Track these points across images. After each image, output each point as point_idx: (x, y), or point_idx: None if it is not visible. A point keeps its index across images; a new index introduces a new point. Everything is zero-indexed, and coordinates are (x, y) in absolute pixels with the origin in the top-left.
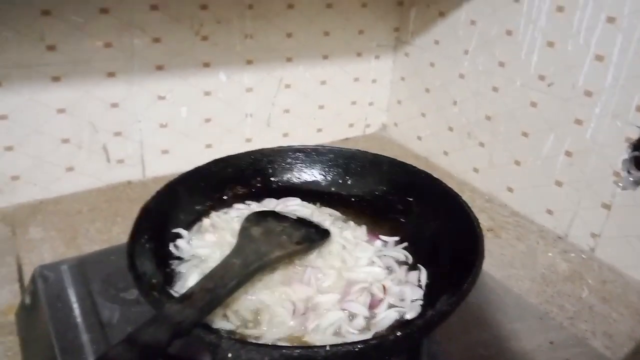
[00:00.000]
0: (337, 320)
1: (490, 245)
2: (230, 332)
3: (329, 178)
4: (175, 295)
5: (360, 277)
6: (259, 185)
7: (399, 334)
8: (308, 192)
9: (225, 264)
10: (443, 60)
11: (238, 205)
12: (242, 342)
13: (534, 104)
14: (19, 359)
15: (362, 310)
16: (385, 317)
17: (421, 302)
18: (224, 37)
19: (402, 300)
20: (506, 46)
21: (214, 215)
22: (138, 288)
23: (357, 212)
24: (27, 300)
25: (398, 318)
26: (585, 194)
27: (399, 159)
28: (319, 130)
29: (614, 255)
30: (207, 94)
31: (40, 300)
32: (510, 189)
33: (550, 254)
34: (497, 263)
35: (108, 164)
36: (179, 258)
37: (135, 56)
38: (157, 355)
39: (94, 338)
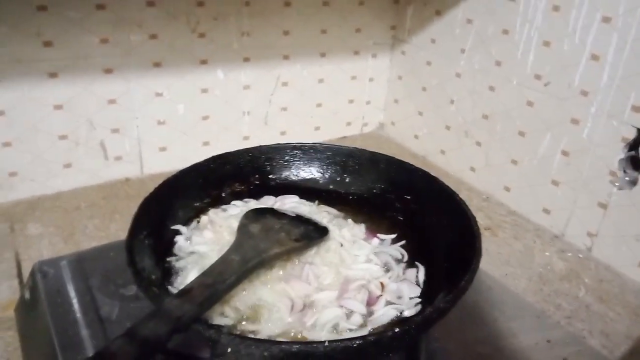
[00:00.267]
0: (334, 317)
1: (488, 244)
2: (229, 328)
3: (327, 176)
4: (174, 291)
5: (358, 274)
6: (257, 182)
7: (396, 330)
8: (306, 190)
9: (224, 260)
10: (440, 59)
11: (236, 203)
12: (241, 337)
13: (530, 103)
14: (18, 355)
15: (360, 308)
16: (383, 315)
17: (418, 300)
18: (221, 34)
19: (400, 297)
20: (502, 45)
21: (212, 212)
22: (137, 283)
23: (355, 210)
24: (27, 296)
25: (396, 315)
26: (581, 193)
27: (396, 158)
28: (317, 128)
29: (611, 255)
30: (204, 91)
31: (39, 296)
32: (507, 188)
33: (547, 253)
34: (494, 262)
35: (106, 161)
36: (177, 254)
37: (132, 52)
38: (157, 350)
39: (94, 333)
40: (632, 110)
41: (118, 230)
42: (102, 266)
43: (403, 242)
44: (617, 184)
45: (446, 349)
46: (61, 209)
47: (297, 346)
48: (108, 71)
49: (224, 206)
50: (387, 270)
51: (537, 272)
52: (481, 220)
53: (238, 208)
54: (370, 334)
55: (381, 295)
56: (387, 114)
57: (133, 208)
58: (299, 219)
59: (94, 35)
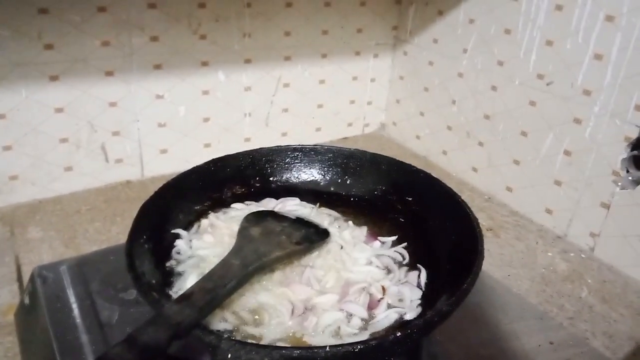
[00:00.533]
0: (335, 320)
1: (490, 244)
2: (230, 333)
3: (328, 177)
4: (174, 295)
5: (359, 277)
6: (257, 185)
7: (398, 334)
8: (307, 192)
9: (224, 264)
10: (442, 59)
11: (237, 205)
12: (241, 342)
13: (532, 103)
14: None
15: (361, 311)
16: (385, 318)
17: (419, 302)
18: (222, 35)
19: (401, 300)
20: (505, 45)
21: (212, 215)
22: (137, 288)
23: (356, 212)
24: (26, 301)
25: (397, 318)
26: (584, 193)
27: (397, 159)
28: (318, 129)
29: (614, 255)
30: (205, 93)
31: (39, 301)
32: (509, 189)
33: (549, 254)
34: (496, 263)
35: (106, 164)
36: (177, 258)
37: (134, 55)
38: (157, 356)
39: (93, 338)
40: (635, 110)
41: (119, 233)
42: (102, 270)
43: (404, 244)
44: (620, 183)
45: (448, 352)
46: (62, 212)
47: (298, 352)
48: (109, 74)
49: (224, 209)
50: (389, 273)
51: (540, 273)
52: (483, 221)
53: (238, 211)
54: (371, 339)
55: (382, 299)
56: (389, 115)
57: (134, 211)
58: (300, 222)
59: (94, 37)
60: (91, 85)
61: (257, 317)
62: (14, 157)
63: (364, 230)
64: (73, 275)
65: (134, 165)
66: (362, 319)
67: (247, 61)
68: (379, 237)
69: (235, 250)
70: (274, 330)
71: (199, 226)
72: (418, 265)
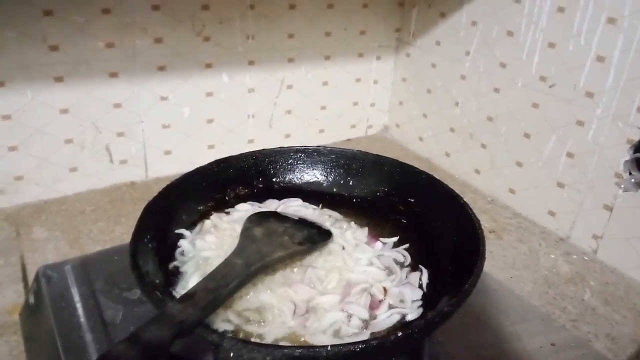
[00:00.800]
0: (336, 321)
1: (492, 246)
2: (232, 332)
3: (331, 179)
4: (177, 295)
5: (361, 278)
6: (260, 185)
7: (399, 334)
8: (309, 193)
9: (227, 264)
10: (444, 61)
11: (240, 206)
12: (244, 341)
13: (535, 105)
14: (23, 359)
15: (362, 312)
16: (386, 319)
17: (421, 303)
18: (225, 37)
19: (402, 301)
20: (507, 47)
21: (215, 216)
22: (140, 287)
23: (359, 213)
24: (31, 300)
25: (399, 319)
26: (587, 195)
27: (400, 160)
28: (321, 131)
29: (616, 257)
30: (209, 94)
31: (44, 300)
32: (512, 191)
33: (552, 256)
34: (499, 265)
35: (111, 165)
36: (181, 258)
37: (137, 56)
38: (159, 354)
39: (97, 337)
40: (638, 112)
41: (123, 233)
42: (106, 270)
43: (407, 245)
44: (622, 186)
45: (450, 353)
46: (67, 212)
47: (300, 350)
48: (113, 75)
49: (227, 210)
50: (390, 274)
51: (543, 275)
52: (486, 222)
53: (241, 212)
54: (373, 338)
55: (384, 299)
56: (392, 116)
57: (138, 211)
58: (303, 223)
59: (99, 39)
60: (95, 87)
61: (259, 316)
62: (19, 158)
63: (365, 231)
64: (77, 275)
65: (138, 166)
66: (364, 320)
67: (251, 63)
68: (380, 238)
69: (238, 251)
70: (275, 330)
71: (202, 226)
72: (420, 266)
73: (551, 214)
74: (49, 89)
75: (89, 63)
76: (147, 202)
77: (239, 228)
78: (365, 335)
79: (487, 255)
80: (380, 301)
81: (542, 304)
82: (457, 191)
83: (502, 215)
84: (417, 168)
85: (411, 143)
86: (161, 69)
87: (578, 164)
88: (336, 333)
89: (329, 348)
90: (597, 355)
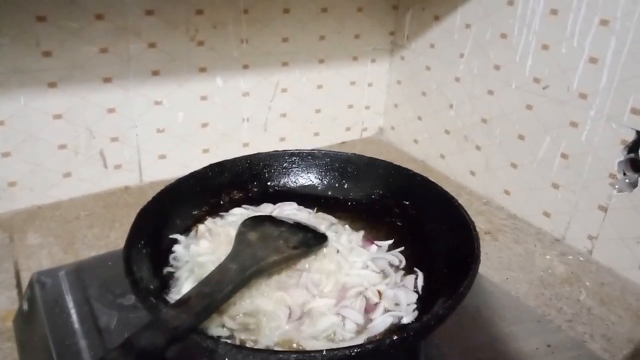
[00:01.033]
0: (331, 325)
1: (488, 248)
2: (226, 337)
3: (326, 182)
4: (172, 300)
5: (356, 281)
6: (255, 189)
7: (395, 337)
8: (304, 197)
9: (221, 269)
10: (439, 63)
11: (235, 210)
12: (238, 347)
13: (529, 107)
14: None
15: (357, 315)
16: (381, 322)
17: (416, 306)
18: (220, 42)
19: (397, 304)
20: (501, 49)
21: (210, 220)
22: (135, 293)
23: (354, 216)
24: (25, 307)
25: (394, 322)
26: (581, 196)
27: (395, 163)
28: (316, 134)
29: (612, 258)
30: (203, 98)
31: (37, 306)
32: (507, 192)
33: (547, 257)
34: (494, 266)
35: (105, 170)
36: (175, 263)
37: (131, 61)
38: None
39: (92, 344)
40: (631, 113)
41: (118, 238)
42: (100, 276)
43: (402, 248)
44: (617, 186)
45: (446, 355)
46: (61, 218)
47: (295, 355)
48: (107, 80)
49: (222, 214)
50: (385, 277)
51: (538, 276)
52: (481, 224)
53: (236, 216)
54: (368, 342)
55: (379, 303)
56: (387, 119)
57: (133, 216)
58: (298, 226)
59: (93, 44)
60: (89, 92)
61: (254, 321)
62: (12, 164)
63: (360, 234)
64: (71, 281)
65: (133, 171)
66: (359, 323)
67: (245, 67)
68: (375, 241)
69: (233, 255)
70: (270, 334)
71: (196, 231)
72: (415, 268)
73: (546, 214)
74: (43, 94)
75: (82, 68)
76: (141, 207)
77: (233, 232)
78: (360, 339)
79: (483, 256)
80: (376, 304)
81: (538, 305)
82: (452, 193)
83: (498, 216)
84: (411, 170)
85: (406, 145)
86: (155, 73)
87: (572, 165)
88: (331, 337)
89: (324, 353)
90: (592, 356)
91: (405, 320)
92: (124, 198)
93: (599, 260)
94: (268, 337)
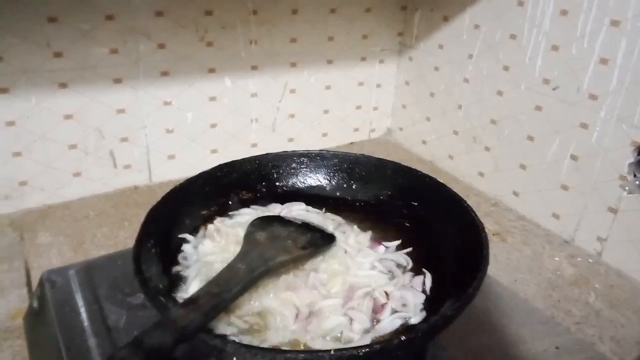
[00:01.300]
0: (338, 325)
1: (497, 249)
2: (235, 337)
3: (334, 183)
4: (181, 299)
5: (363, 282)
6: (263, 190)
7: (402, 338)
8: (313, 197)
9: (230, 269)
10: (447, 64)
11: (243, 210)
12: (247, 346)
13: (539, 108)
14: None
15: (365, 316)
16: (389, 323)
17: (423, 307)
18: (228, 42)
19: (405, 305)
20: (510, 50)
21: (219, 220)
22: (144, 292)
23: (362, 217)
24: (35, 305)
25: (402, 323)
26: (591, 197)
27: (404, 164)
28: (324, 134)
29: (621, 259)
30: (212, 99)
31: (47, 305)
32: (516, 193)
33: (556, 259)
34: (503, 268)
35: (115, 169)
36: (184, 263)
37: (141, 62)
38: (163, 359)
39: (101, 342)
40: None
41: (127, 238)
42: (109, 275)
43: (410, 249)
44: (627, 188)
45: (453, 357)
46: (71, 217)
47: (303, 355)
48: (117, 81)
49: (230, 214)
50: (392, 278)
51: (547, 277)
52: (490, 225)
53: (245, 216)
54: (376, 342)
55: (386, 303)
56: (395, 120)
57: (142, 216)
58: (306, 227)
59: (103, 45)
60: (99, 92)
61: (261, 321)
62: (23, 164)
63: (368, 235)
64: (81, 280)
65: (142, 171)
66: (366, 324)
67: (254, 68)
68: (383, 242)
69: (242, 255)
70: (278, 334)
71: (205, 231)
72: (423, 269)
73: (555, 216)
74: (53, 94)
75: (92, 69)
76: (150, 207)
77: (242, 232)
78: (367, 340)
79: (491, 258)
80: (383, 305)
81: (547, 307)
82: (460, 194)
83: (506, 217)
84: (420, 171)
85: (414, 146)
86: (164, 74)
87: (582, 167)
88: (338, 337)
89: (332, 352)
90: (601, 358)
91: (413, 321)
92: (133, 198)
93: (609, 262)
94: (276, 337)
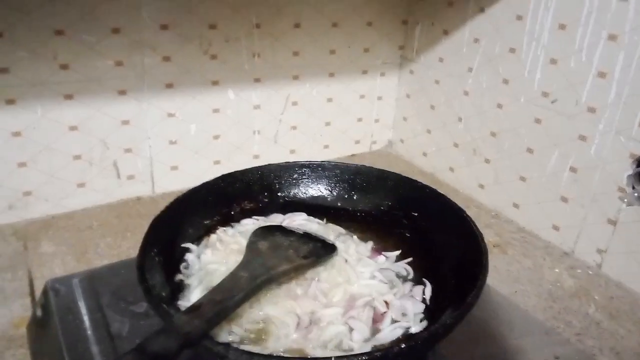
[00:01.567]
0: (338, 334)
1: (497, 261)
2: (236, 344)
3: (335, 193)
4: (182, 308)
5: (364, 291)
6: (266, 200)
7: (403, 346)
8: (314, 207)
9: (233, 277)
10: (447, 77)
11: (245, 220)
12: (249, 353)
13: (538, 121)
14: None
15: (364, 329)
16: (389, 332)
17: (423, 317)
18: (232, 55)
19: (404, 315)
20: (510, 64)
21: (221, 230)
22: (148, 300)
23: (363, 227)
24: (39, 313)
25: (402, 332)
26: (590, 209)
27: (404, 175)
28: (326, 146)
29: (621, 271)
30: (215, 111)
31: (51, 313)
32: (516, 205)
33: (556, 270)
34: (503, 279)
35: (118, 180)
36: (187, 272)
37: (146, 74)
38: None
39: (104, 350)
40: None
41: (129, 248)
42: (113, 284)
43: (410, 259)
44: (626, 200)
45: None
46: (74, 228)
47: None
48: (122, 93)
49: (233, 224)
50: (392, 287)
51: (547, 289)
52: (490, 237)
53: (247, 226)
54: (376, 350)
55: (386, 312)
56: (396, 132)
57: (144, 226)
58: (307, 237)
59: (108, 58)
60: (104, 104)
61: (263, 329)
62: (28, 174)
63: (368, 245)
64: (85, 289)
65: (145, 182)
66: (366, 333)
67: (257, 80)
68: (383, 252)
69: (244, 264)
70: (278, 342)
71: (208, 240)
72: (423, 279)
73: (555, 228)
74: (59, 106)
75: (98, 81)
76: (154, 217)
77: (244, 242)
78: (367, 348)
79: (491, 269)
80: (383, 314)
81: (547, 318)
82: (460, 206)
83: (506, 229)
84: (421, 182)
85: (415, 158)
86: (169, 86)
87: (581, 179)
88: (338, 346)
89: (333, 359)
90: None
91: (413, 330)
92: (136, 209)
93: (608, 274)
94: (276, 345)
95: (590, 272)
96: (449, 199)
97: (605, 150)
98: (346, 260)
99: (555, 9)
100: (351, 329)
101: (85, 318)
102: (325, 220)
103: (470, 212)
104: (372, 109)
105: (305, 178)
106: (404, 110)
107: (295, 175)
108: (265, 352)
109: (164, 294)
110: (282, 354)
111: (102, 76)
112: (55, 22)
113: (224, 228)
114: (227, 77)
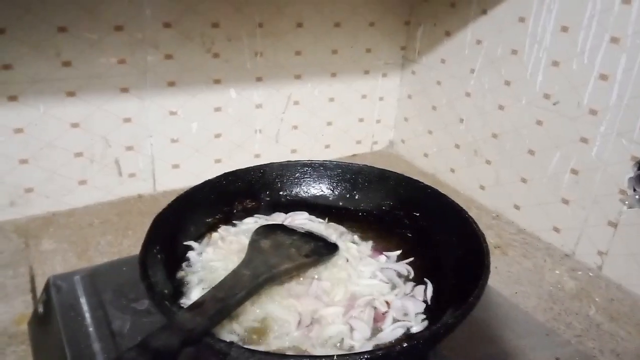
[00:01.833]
0: (339, 333)
1: (497, 262)
2: (238, 342)
3: (337, 192)
4: (185, 305)
5: (365, 291)
6: (267, 199)
7: (404, 345)
8: (316, 206)
9: (235, 275)
10: (449, 78)
11: (247, 220)
12: (251, 350)
13: (539, 122)
14: None
15: (365, 328)
16: (390, 331)
17: (424, 316)
18: (234, 54)
19: (406, 314)
20: (512, 65)
21: (223, 228)
22: (150, 297)
23: (364, 227)
24: (40, 309)
25: (404, 332)
26: (591, 211)
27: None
28: (327, 146)
29: (621, 273)
30: (217, 109)
31: (53, 310)
32: (517, 207)
33: (557, 272)
34: (504, 280)
35: (120, 178)
36: (188, 269)
37: (148, 72)
38: None
39: (105, 347)
40: None
41: (130, 246)
42: (114, 281)
43: (411, 259)
44: (626, 202)
45: None
46: (75, 225)
47: None
48: (124, 90)
49: (235, 222)
50: (394, 287)
51: (547, 290)
52: (491, 238)
53: (249, 224)
54: (378, 349)
55: (387, 312)
56: (397, 133)
57: (145, 224)
58: (309, 235)
59: (111, 55)
60: (106, 101)
61: (264, 326)
62: (30, 171)
63: (369, 244)
64: (86, 286)
65: (147, 180)
66: (367, 332)
67: (259, 79)
68: (384, 252)
69: (246, 262)
70: (280, 340)
71: (209, 238)
72: (425, 279)
73: (556, 230)
74: (61, 103)
75: (100, 78)
76: (156, 214)
77: (245, 240)
78: (368, 348)
79: (492, 270)
80: (384, 314)
81: (547, 320)
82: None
83: (507, 231)
84: (422, 182)
85: (416, 159)
86: (171, 84)
87: (582, 181)
88: (339, 345)
89: (334, 358)
90: None
91: (414, 330)
92: (137, 206)
93: (609, 276)
94: (277, 343)
95: (591, 274)
96: (450, 199)
97: (607, 152)
98: (347, 260)
99: (558, 12)
100: (352, 329)
101: (87, 315)
102: (326, 219)
103: (471, 213)
104: (373, 109)
105: (307, 177)
106: (405, 110)
107: (297, 174)
108: (267, 349)
109: (166, 291)
110: (283, 351)
111: (104, 73)
112: (58, 19)
113: (226, 226)
114: (229, 75)
